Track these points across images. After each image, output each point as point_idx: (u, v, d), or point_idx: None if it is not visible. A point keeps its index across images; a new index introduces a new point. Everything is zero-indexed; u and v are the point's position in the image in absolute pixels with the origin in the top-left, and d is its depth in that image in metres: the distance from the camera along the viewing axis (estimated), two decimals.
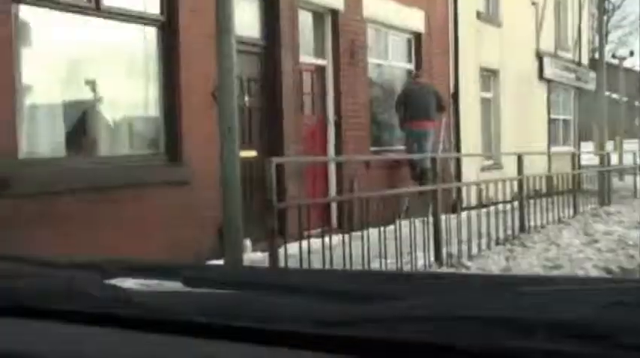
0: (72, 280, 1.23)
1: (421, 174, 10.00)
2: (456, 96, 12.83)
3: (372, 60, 10.76)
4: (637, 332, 0.86)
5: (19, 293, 1.21)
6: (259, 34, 8.70)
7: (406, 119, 10.56)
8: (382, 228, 7.56)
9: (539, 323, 0.89)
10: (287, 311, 1.05)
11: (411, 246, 6.49)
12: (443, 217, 7.34)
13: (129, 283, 1.23)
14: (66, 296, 1.18)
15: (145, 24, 7.09)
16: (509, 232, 7.96)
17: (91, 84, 6.77)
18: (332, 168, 9.83)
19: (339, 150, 9.86)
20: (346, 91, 10.00)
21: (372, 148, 10.59)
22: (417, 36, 11.97)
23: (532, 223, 8.57)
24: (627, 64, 51.64)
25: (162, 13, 7.19)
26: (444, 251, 6.67)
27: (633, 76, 46.30)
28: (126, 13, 6.82)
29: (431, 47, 12.24)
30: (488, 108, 15.01)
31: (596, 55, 46.08)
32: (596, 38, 48.53)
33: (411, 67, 11.96)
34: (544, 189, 10.68)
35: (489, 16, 14.72)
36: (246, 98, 8.45)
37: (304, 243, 6.32)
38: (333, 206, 9.76)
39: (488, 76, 14.99)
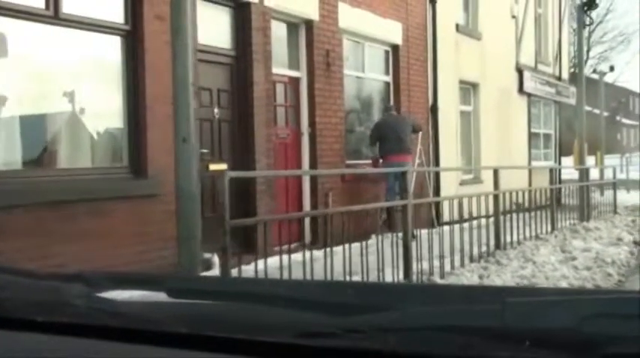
0: (56, 291, 1.25)
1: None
2: (434, 109, 12.67)
3: (348, 72, 10.57)
4: (619, 343, 0.88)
5: (3, 304, 1.21)
6: (230, 45, 8.48)
7: (385, 153, 10.08)
8: (352, 245, 7.39)
9: (523, 334, 0.90)
10: (269, 322, 1.05)
11: (378, 263, 6.26)
12: (422, 232, 7.16)
13: (113, 294, 1.23)
14: (50, 307, 1.18)
15: (108, 33, 6.85)
16: (485, 248, 7.75)
17: (50, 95, 6.53)
18: (306, 182, 9.62)
19: (313, 163, 9.64)
20: (321, 103, 9.80)
21: (349, 161, 10.39)
22: (395, 48, 11.80)
23: (508, 239, 8.38)
24: (609, 79, 52.11)
25: (126, 21, 6.96)
26: (414, 268, 6.44)
27: (615, 91, 46.58)
28: (87, 22, 6.58)
29: (409, 59, 12.08)
30: (468, 122, 14.86)
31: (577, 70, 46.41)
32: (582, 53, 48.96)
33: (389, 79, 11.79)
34: (523, 205, 10.57)
35: (469, 29, 14.60)
36: (216, 110, 8.23)
37: (271, 260, 6.16)
38: (307, 221, 9.54)
39: (468, 89, 14.86)
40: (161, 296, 1.23)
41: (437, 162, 12.58)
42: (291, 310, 1.10)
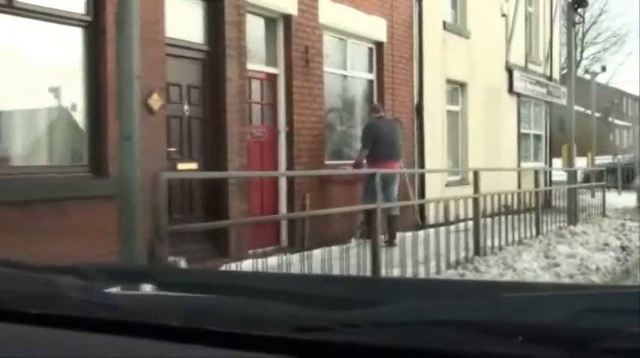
0: (50, 284, 1.25)
1: (389, 220, 9.26)
2: (420, 108, 12.33)
3: (329, 69, 10.23)
4: (612, 338, 0.90)
5: None
6: (203, 39, 8.13)
7: (376, 158, 9.38)
8: (331, 248, 7.11)
9: (516, 328, 0.92)
10: (263, 315, 1.05)
11: (358, 269, 5.95)
12: (406, 235, 6.84)
13: (107, 287, 1.22)
14: (44, 299, 1.18)
15: (68, 24, 6.49)
16: (465, 254, 7.41)
17: (5, 89, 6.17)
18: (282, 183, 9.27)
19: (290, 163, 9.30)
20: (299, 101, 9.45)
21: (329, 162, 10.04)
22: (379, 45, 11.46)
23: (489, 244, 8.03)
24: (603, 80, 51.91)
25: (87, 12, 6.60)
26: (384, 275, 6.11)
27: (608, 92, 46.35)
28: (45, 12, 6.22)
29: (393, 57, 11.75)
30: (456, 122, 14.53)
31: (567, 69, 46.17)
32: (572, 52, 48.75)
33: (373, 77, 11.45)
34: (512, 207, 10.27)
35: (457, 27, 14.27)
36: (186, 107, 7.88)
37: (246, 264, 5.86)
38: (283, 223, 9.21)
39: (456, 88, 14.53)
40: (154, 289, 1.22)
41: (422, 163, 12.24)
42: (285, 304, 1.10)
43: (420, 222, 11.30)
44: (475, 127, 14.79)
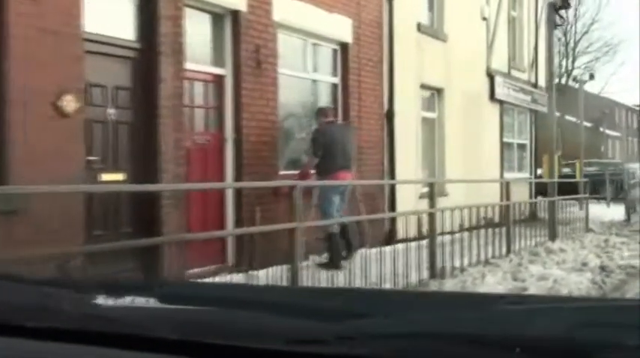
0: (47, 297, 1.24)
1: (342, 231, 8.39)
2: (390, 114, 11.49)
3: (285, 71, 9.40)
4: (609, 351, 0.89)
5: None
6: (133, 36, 7.30)
7: (327, 168, 8.44)
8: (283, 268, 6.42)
9: (513, 341, 0.91)
10: (261, 328, 1.05)
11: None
12: (370, 252, 6.06)
13: (104, 300, 1.19)
14: (40, 312, 1.17)
15: None
16: (418, 277, 6.56)
17: None
18: (229, 196, 8.42)
19: (239, 173, 8.45)
20: (249, 105, 8.61)
21: (284, 172, 9.19)
22: (344, 46, 10.64)
23: (450, 265, 7.18)
24: (595, 90, 51.24)
25: None
26: None
27: (599, 101, 45.65)
28: None
29: (360, 59, 10.93)
30: (432, 130, 13.71)
31: (563, 79, 45.62)
32: (563, 61, 48.25)
33: (337, 80, 10.63)
34: (488, 220, 9.51)
35: (433, 30, 13.46)
36: (111, 110, 7.04)
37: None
38: (230, 241, 8.37)
39: (432, 94, 13.71)
40: (152, 302, 1.22)
41: (392, 174, 11.40)
42: (282, 316, 1.09)
43: (388, 237, 10.48)
44: (453, 136, 13.96)
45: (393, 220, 10.70)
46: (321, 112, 9.08)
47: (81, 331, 1.10)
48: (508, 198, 9.80)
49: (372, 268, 6.10)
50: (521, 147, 18.26)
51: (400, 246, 6.84)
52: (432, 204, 7.42)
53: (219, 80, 8.45)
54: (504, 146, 16.78)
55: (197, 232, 7.70)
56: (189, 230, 7.63)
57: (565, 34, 49.21)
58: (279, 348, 0.99)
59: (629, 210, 16.42)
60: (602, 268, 7.75)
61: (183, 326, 1.08)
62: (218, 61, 8.48)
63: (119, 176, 7.02)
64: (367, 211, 9.93)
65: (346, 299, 1.26)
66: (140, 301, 1.23)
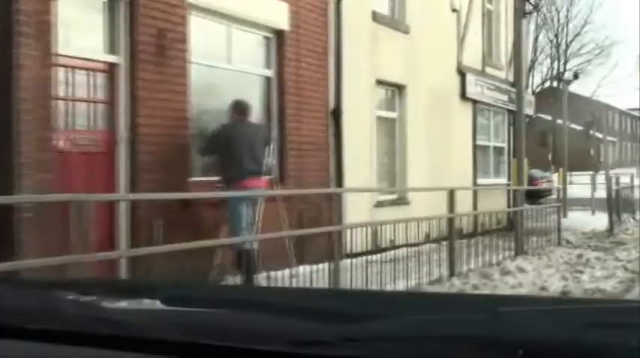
0: (49, 299, 1.26)
1: (242, 257, 7.01)
2: (337, 113, 10.12)
3: (199, 60, 8.04)
4: (613, 353, 0.89)
5: None
6: None
7: (234, 175, 7.23)
8: None
9: (517, 343, 0.92)
10: (264, 330, 1.05)
11: None
12: (310, 269, 4.84)
13: (104, 302, 1.20)
14: (43, 315, 1.18)
15: None
16: None
17: None
18: (122, 208, 7.05)
19: (134, 180, 7.10)
20: (149, 99, 7.26)
21: (196, 178, 7.84)
22: (279, 34, 9.29)
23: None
24: (587, 93, 49.91)
25: None
26: None
27: (591, 104, 44.34)
28: None
29: (299, 50, 9.59)
30: (392, 130, 12.36)
31: (554, 83, 44.31)
32: (555, 63, 46.97)
33: (270, 73, 9.28)
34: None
35: (392, 20, 12.13)
36: None
37: None
38: (123, 261, 7.00)
39: (392, 91, 12.37)
40: (153, 304, 1.21)
41: (339, 180, 10.03)
42: (286, 318, 1.10)
43: (337, 251, 9.13)
44: (418, 137, 12.60)
45: (339, 233, 9.38)
46: (235, 107, 7.72)
47: (82, 333, 1.09)
48: (452, 210, 8.42)
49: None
50: (499, 150, 16.92)
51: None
52: (340, 220, 6.11)
53: (111, 70, 7.10)
54: (478, 149, 15.43)
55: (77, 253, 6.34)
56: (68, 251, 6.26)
57: (556, 36, 48.03)
58: (282, 350, 0.99)
59: (613, 219, 15.09)
60: (563, 294, 6.41)
61: (185, 328, 1.07)
62: (110, 47, 7.13)
63: None
64: (307, 223, 8.64)
65: (350, 300, 1.27)
66: (142, 303, 1.22)
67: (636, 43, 73.05)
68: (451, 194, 8.58)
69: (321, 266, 7.42)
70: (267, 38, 9.25)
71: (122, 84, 7.11)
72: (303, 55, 9.66)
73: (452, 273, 7.51)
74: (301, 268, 7.52)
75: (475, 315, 1.04)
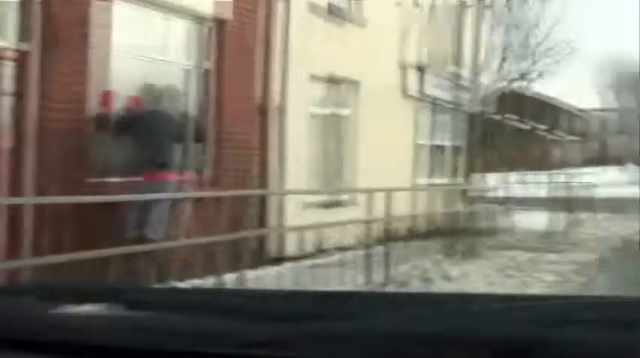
0: (11, 306, 1.22)
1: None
2: (263, 109, 9.69)
3: (126, 50, 7.54)
4: (575, 347, 0.90)
5: None
6: None
7: (128, 166, 6.91)
8: None
9: (480, 341, 0.92)
10: (222, 332, 1.05)
11: None
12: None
13: (69, 308, 1.17)
14: (4, 323, 1.14)
15: None
16: None
17: None
18: (29, 209, 6.46)
19: (41, 181, 6.55)
20: (61, 91, 6.74)
21: (97, 179, 7.16)
22: (220, 24, 8.79)
23: None
24: (552, 94, 50.06)
25: None
26: None
27: (551, 104, 44.51)
28: None
29: (242, 41, 9.13)
30: (330, 128, 11.93)
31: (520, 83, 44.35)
32: (522, 64, 47.02)
33: (191, 65, 8.74)
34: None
35: (347, 12, 11.68)
36: None
37: None
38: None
39: (342, 87, 11.94)
40: (117, 309, 1.19)
41: (263, 182, 9.61)
42: (243, 319, 1.08)
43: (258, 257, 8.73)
44: (357, 136, 12.21)
45: (263, 237, 9.01)
46: (140, 94, 7.31)
47: (45, 341, 1.06)
48: (370, 212, 8.11)
49: None
50: (455, 150, 16.55)
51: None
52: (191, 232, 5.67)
53: (21, 58, 6.58)
54: (423, 148, 15.02)
55: None
56: None
57: (527, 38, 47.90)
58: (240, 352, 0.98)
59: (568, 220, 14.92)
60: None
61: (149, 333, 1.05)
62: (22, 33, 6.61)
63: None
64: (234, 226, 8.22)
65: (306, 300, 1.28)
66: (107, 308, 1.18)
67: (599, 45, 73.60)
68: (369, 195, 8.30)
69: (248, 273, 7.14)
70: (205, 28, 8.75)
71: (33, 74, 6.60)
72: (245, 47, 9.22)
73: (387, 279, 7.20)
74: (227, 276, 7.13)
75: (436, 313, 1.04)
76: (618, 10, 71.67)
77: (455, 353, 0.90)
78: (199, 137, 7.89)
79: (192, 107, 8.42)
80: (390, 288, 6.74)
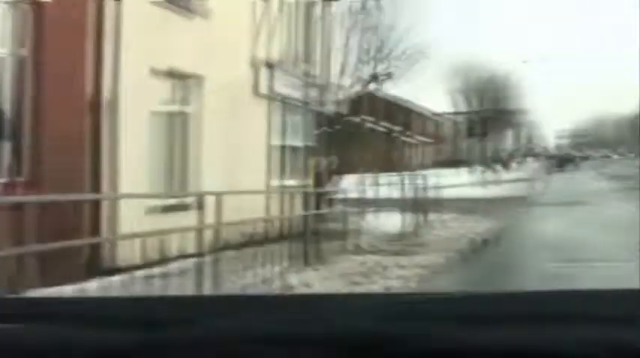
0: None
1: None
2: (95, 105, 8.76)
3: None
4: (418, 340, 0.94)
5: None
6: None
7: None
8: None
9: (326, 338, 0.95)
10: (71, 342, 1.02)
11: None
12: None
13: None
14: None
15: None
16: None
17: None
18: None
19: None
20: None
21: None
22: (38, 5, 7.82)
23: None
24: (407, 97, 50.99)
25: None
26: None
27: (404, 107, 45.32)
28: None
29: (65, 28, 8.17)
30: (174, 126, 11.12)
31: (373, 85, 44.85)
32: (377, 66, 47.64)
33: (25, 52, 7.82)
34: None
35: (188, 1, 10.88)
36: None
37: None
38: None
39: (186, 83, 11.14)
40: None
41: (95, 185, 8.69)
42: (98, 328, 1.05)
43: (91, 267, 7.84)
44: (204, 135, 11.44)
45: (95, 246, 8.10)
46: None
47: None
48: (202, 219, 7.46)
49: None
50: (302, 151, 16.07)
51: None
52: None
53: None
54: (276, 149, 14.45)
55: None
56: None
57: (382, 42, 48.46)
58: None
59: (416, 220, 14.82)
60: None
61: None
62: None
63: None
64: (60, 234, 7.29)
65: (161, 306, 1.23)
66: None
67: (450, 48, 76.12)
68: (200, 198, 7.64)
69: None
70: (20, 10, 7.76)
71: None
72: (69, 34, 8.26)
73: (217, 290, 6.55)
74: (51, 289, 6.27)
75: (280, 314, 1.06)
76: (470, 17, 74.40)
77: (305, 352, 0.92)
78: (12, 133, 6.90)
79: (4, 99, 7.41)
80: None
